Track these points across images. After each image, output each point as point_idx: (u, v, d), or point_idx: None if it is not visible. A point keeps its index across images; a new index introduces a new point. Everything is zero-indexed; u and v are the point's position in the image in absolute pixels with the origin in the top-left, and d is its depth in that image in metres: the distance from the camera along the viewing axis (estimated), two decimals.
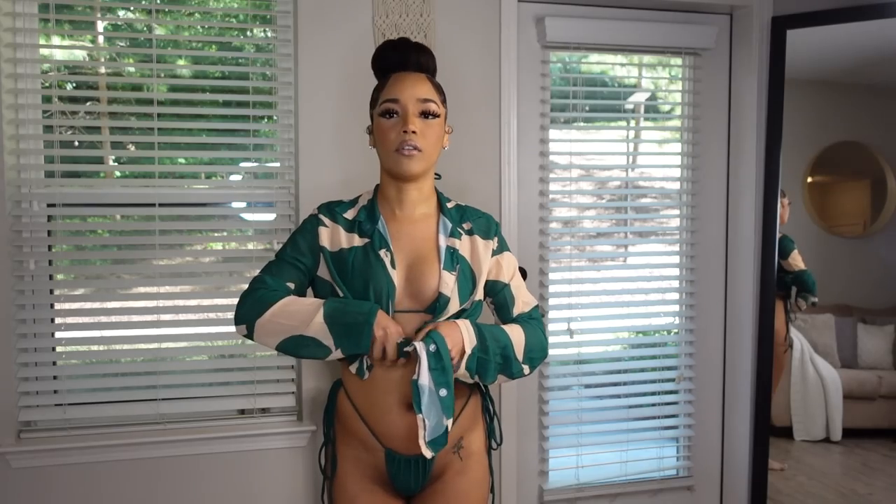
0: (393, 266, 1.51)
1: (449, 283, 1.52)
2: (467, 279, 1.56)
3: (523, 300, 1.67)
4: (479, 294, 1.60)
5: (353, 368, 1.55)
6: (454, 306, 1.53)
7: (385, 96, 1.52)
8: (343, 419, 1.62)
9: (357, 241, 1.54)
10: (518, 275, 1.69)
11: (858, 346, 2.52)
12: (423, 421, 1.43)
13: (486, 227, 1.64)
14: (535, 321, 1.67)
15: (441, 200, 1.63)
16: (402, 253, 1.55)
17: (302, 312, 1.49)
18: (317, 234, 1.57)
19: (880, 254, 2.53)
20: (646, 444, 2.55)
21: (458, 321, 1.50)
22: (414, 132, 1.48)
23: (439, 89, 1.58)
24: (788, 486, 2.52)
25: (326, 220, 1.59)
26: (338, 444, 1.64)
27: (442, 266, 1.53)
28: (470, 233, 1.61)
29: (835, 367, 2.53)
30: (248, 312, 1.53)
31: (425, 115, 1.51)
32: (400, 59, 1.56)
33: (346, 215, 1.59)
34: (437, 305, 1.51)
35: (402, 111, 1.50)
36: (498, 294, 1.65)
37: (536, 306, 1.70)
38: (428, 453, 1.44)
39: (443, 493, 1.58)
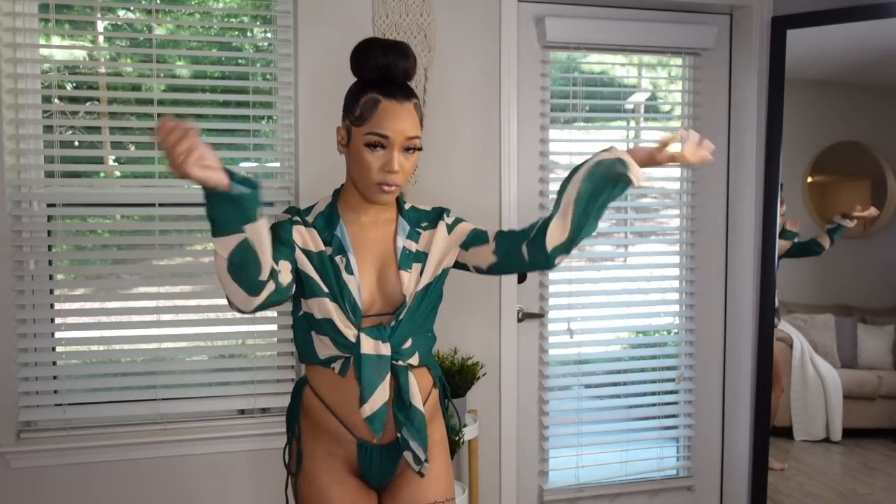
0: (349, 271, 1.55)
1: (405, 282, 1.58)
2: (431, 266, 1.62)
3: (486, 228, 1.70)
4: (436, 271, 1.61)
5: (336, 367, 1.57)
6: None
7: (374, 129, 1.53)
8: (311, 415, 1.66)
9: (321, 245, 1.59)
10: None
11: (858, 346, 2.52)
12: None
13: (437, 214, 1.69)
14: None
15: (399, 202, 1.68)
16: (372, 258, 1.60)
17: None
18: (290, 230, 1.59)
19: (880, 254, 2.53)
20: (646, 444, 2.55)
21: None
22: (398, 171, 1.53)
23: (420, 114, 1.59)
24: (788, 486, 2.52)
25: (297, 220, 1.61)
26: (305, 440, 1.67)
27: (398, 267, 1.58)
28: (426, 228, 1.67)
29: (835, 367, 2.53)
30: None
31: (409, 149, 1.55)
32: (387, 74, 1.54)
33: (307, 219, 1.62)
34: (402, 306, 1.57)
35: (389, 146, 1.53)
36: (471, 236, 1.65)
37: None
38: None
39: (414, 481, 1.64)
